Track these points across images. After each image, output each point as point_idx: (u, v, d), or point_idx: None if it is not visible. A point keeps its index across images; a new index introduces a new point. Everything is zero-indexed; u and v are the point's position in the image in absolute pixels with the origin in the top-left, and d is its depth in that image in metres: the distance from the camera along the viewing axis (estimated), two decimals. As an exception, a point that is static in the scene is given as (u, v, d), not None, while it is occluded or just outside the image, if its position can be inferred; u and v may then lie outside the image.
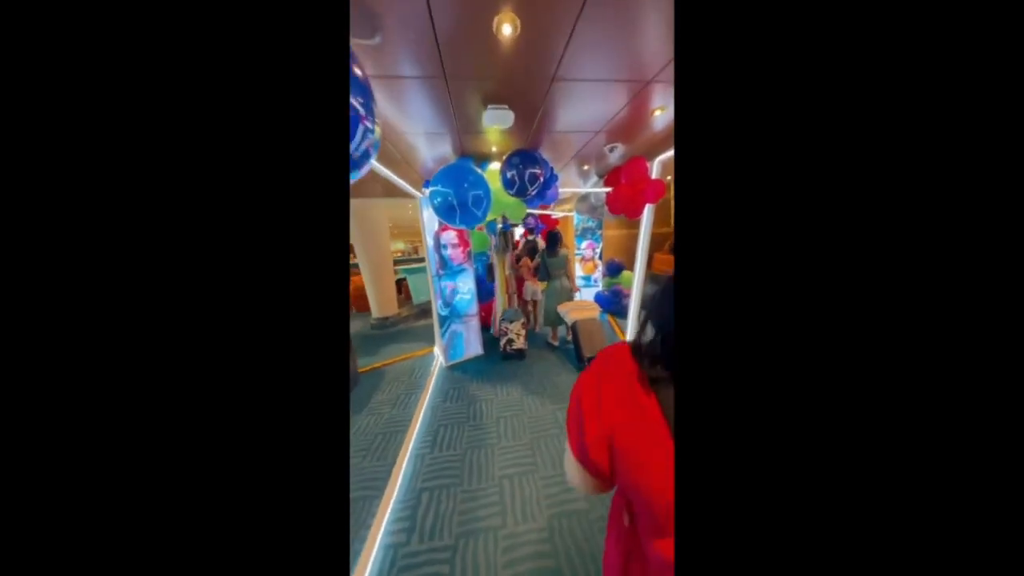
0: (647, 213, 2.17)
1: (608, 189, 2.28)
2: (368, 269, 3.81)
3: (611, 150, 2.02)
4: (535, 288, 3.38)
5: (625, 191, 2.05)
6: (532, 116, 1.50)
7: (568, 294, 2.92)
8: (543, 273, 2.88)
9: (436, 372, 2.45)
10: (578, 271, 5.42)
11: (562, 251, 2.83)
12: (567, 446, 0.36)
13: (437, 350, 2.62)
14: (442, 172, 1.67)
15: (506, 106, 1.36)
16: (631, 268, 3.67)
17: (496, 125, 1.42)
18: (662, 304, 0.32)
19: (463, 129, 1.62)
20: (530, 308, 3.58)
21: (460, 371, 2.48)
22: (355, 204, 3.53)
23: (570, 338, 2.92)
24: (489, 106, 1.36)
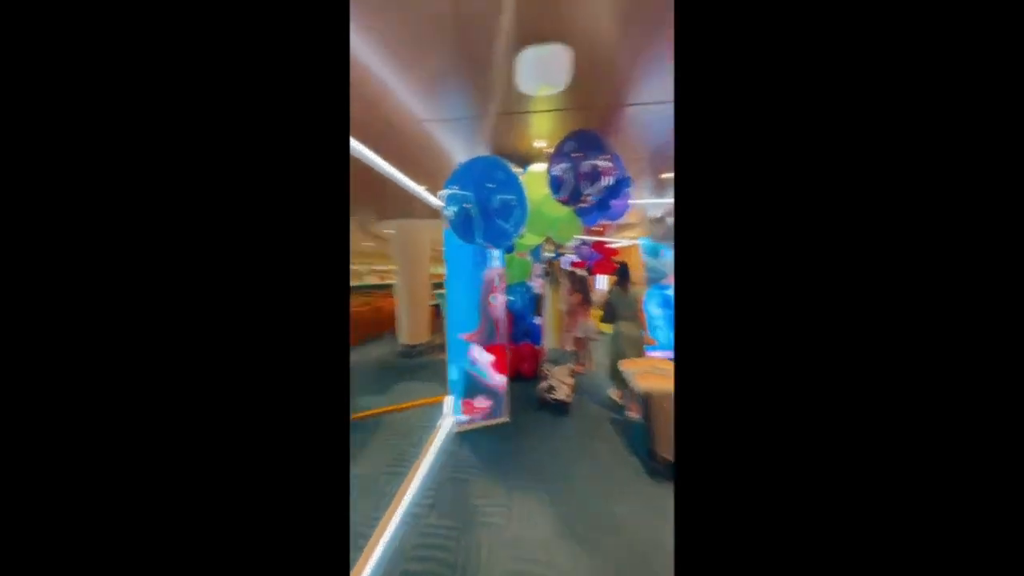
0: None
1: None
2: (404, 292, 3.62)
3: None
4: (588, 324, 2.64)
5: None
6: (600, 75, 0.89)
7: (637, 346, 2.16)
8: (609, 315, 2.24)
9: (437, 440, 1.80)
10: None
11: (633, 289, 2.22)
12: None
13: (448, 404, 2.03)
14: (460, 169, 1.20)
15: (558, 43, 0.79)
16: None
17: (542, 85, 0.89)
18: None
19: (493, 100, 1.12)
20: (584, 348, 2.90)
21: (470, 444, 1.79)
22: (398, 225, 3.49)
23: (635, 414, 1.97)
24: (529, 46, 0.81)
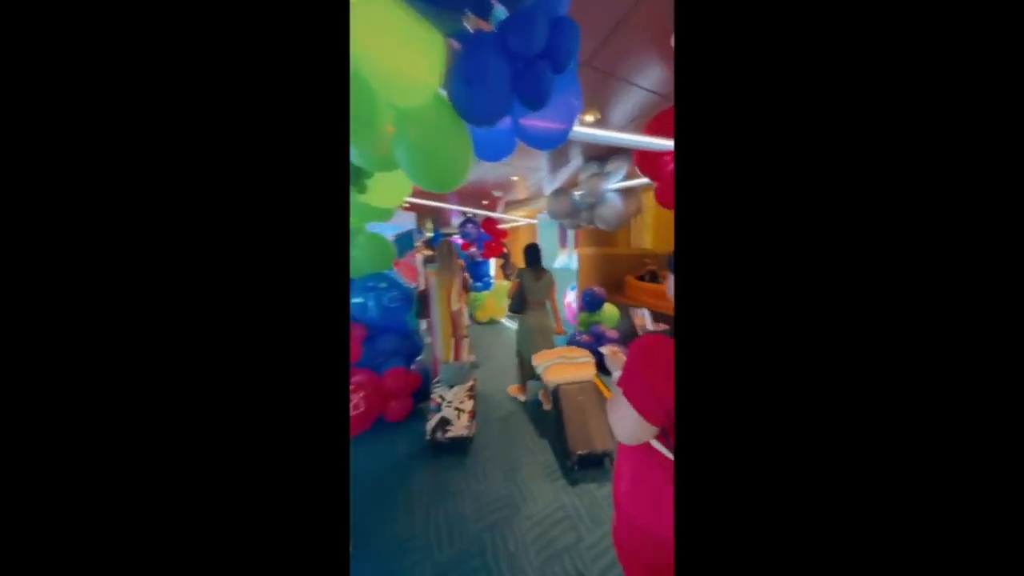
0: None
1: (665, 144, 1.00)
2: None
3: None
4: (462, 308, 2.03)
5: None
6: None
7: (549, 337, 1.91)
8: (517, 303, 1.87)
9: None
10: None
11: (548, 273, 1.89)
12: (628, 411, 0.45)
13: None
14: None
15: None
16: (613, 300, 2.70)
17: None
18: None
19: None
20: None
21: None
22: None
23: (548, 406, 1.76)
24: None
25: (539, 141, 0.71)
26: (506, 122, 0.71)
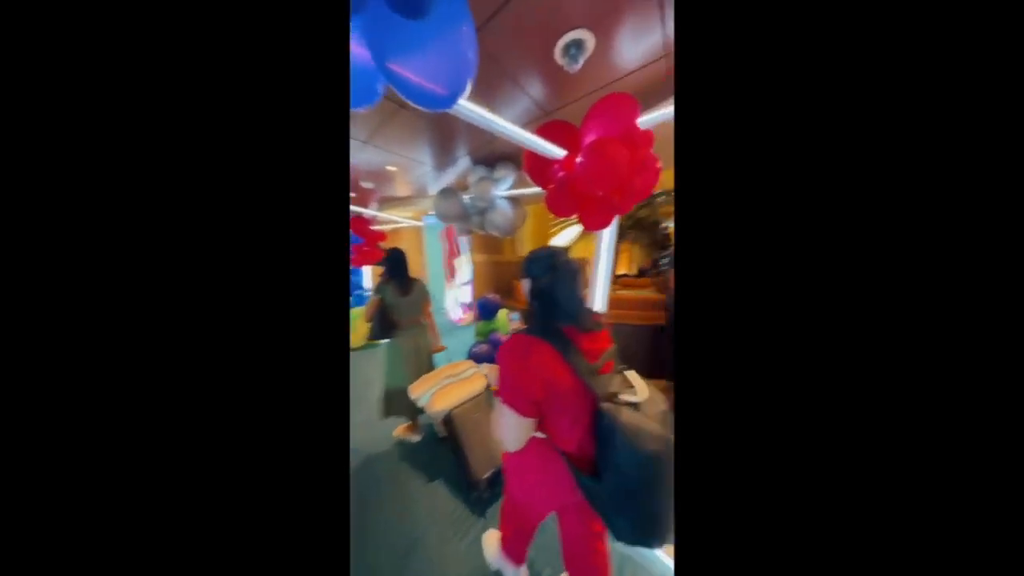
0: (614, 225, 1.18)
1: (558, 152, 0.99)
2: None
3: (572, 52, 0.83)
4: None
5: (599, 164, 0.89)
6: None
7: (427, 359, 1.61)
8: (378, 327, 1.47)
9: None
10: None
11: (417, 283, 1.54)
12: (509, 417, 0.50)
13: None
14: None
15: None
16: (507, 305, 2.71)
17: None
18: (554, 288, 0.55)
19: None
20: None
21: None
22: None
23: (444, 433, 1.45)
24: None
25: (416, 92, 0.49)
26: (364, 58, 0.45)
